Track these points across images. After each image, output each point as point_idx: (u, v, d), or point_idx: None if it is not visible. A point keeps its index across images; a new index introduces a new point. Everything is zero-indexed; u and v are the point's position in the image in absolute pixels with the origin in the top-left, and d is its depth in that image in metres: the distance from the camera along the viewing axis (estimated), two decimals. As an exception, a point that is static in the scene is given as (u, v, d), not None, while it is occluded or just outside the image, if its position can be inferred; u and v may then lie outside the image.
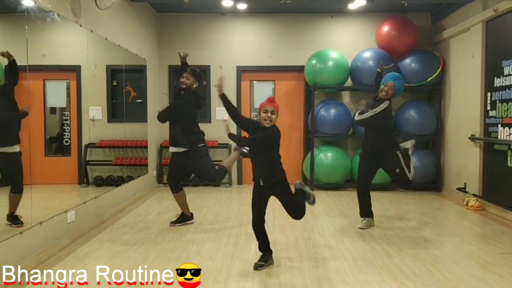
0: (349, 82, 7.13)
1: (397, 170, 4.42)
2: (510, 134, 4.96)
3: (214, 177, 4.60)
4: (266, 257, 3.43)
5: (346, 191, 6.82)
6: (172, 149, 4.65)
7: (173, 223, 4.69)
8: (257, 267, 3.35)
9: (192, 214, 4.85)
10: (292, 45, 7.44)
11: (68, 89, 4.96)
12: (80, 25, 4.43)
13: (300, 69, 7.30)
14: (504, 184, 5.10)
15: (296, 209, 3.45)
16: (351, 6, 6.66)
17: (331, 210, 5.47)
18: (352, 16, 7.36)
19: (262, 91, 7.58)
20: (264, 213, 3.42)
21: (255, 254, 3.71)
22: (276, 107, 3.32)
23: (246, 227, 4.65)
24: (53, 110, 4.95)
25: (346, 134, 7.05)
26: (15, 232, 3.27)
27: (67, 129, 4.92)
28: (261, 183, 3.33)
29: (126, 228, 4.59)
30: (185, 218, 4.76)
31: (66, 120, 4.93)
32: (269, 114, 3.27)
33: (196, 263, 3.45)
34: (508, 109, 5.01)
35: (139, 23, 6.50)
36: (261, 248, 3.47)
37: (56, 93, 4.94)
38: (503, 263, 3.51)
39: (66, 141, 4.93)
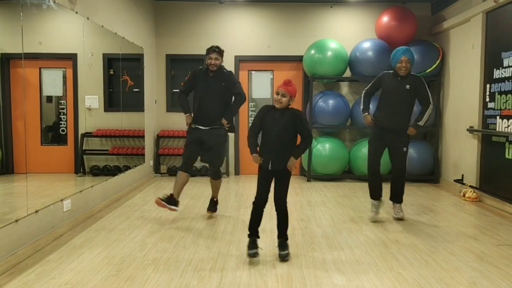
0: (348, 73, 7.10)
1: (405, 149, 4.42)
2: (508, 126, 4.95)
3: (220, 166, 4.66)
4: (255, 242, 3.36)
5: (343, 182, 6.82)
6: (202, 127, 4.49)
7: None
8: (253, 255, 3.29)
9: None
10: (291, 35, 7.38)
11: (64, 77, 4.91)
12: (76, 13, 4.37)
13: (298, 59, 7.25)
14: (502, 176, 5.10)
15: (285, 195, 3.38)
16: (351, -4, 6.61)
17: (328, 201, 5.47)
18: (352, 6, 7.30)
19: (260, 81, 7.54)
20: (269, 192, 3.37)
21: (252, 244, 3.71)
22: (291, 90, 3.24)
23: (243, 217, 4.65)
24: (49, 98, 4.90)
25: (344, 125, 7.03)
26: (10, 221, 3.25)
27: (64, 118, 4.88)
28: (270, 167, 3.28)
29: (123, 217, 4.58)
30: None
31: (63, 109, 4.88)
32: (279, 97, 3.23)
33: (193, 253, 3.46)
34: (506, 101, 4.99)
35: (136, 11, 6.43)
36: (251, 229, 3.38)
37: (52, 82, 4.89)
38: (499, 254, 3.51)
39: (63, 130, 4.89)
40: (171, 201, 4.41)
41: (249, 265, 3.23)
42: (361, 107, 4.67)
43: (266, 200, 3.37)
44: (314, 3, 7.30)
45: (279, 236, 3.42)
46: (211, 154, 4.53)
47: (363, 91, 4.73)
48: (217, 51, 4.47)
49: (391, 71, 4.50)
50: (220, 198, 5.61)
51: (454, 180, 6.14)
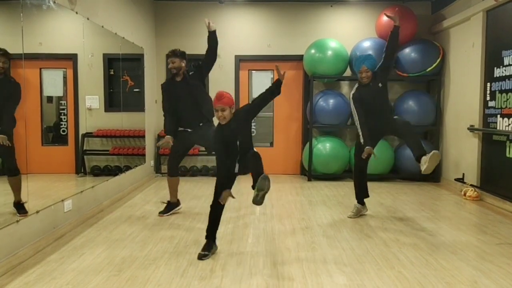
0: (348, 72, 7.09)
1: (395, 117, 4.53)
2: (509, 124, 4.94)
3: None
4: (210, 245, 3.45)
5: (344, 181, 6.82)
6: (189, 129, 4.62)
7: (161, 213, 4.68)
8: (201, 257, 3.33)
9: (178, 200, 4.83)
10: (291, 34, 7.38)
11: (64, 78, 4.92)
12: (76, 13, 4.37)
13: (299, 58, 7.25)
14: (502, 175, 5.10)
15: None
16: (351, -5, 6.61)
17: (329, 200, 5.47)
18: (352, 5, 7.29)
19: (260, 81, 7.54)
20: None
21: (253, 243, 3.72)
22: (226, 101, 3.24)
23: (243, 217, 4.65)
24: (49, 99, 4.91)
25: (345, 124, 7.02)
26: (11, 221, 3.25)
27: (64, 118, 4.89)
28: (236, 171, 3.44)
29: (124, 217, 4.58)
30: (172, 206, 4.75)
31: (63, 109, 4.89)
32: (220, 113, 3.26)
33: (194, 253, 3.46)
34: (507, 99, 4.99)
35: (136, 11, 6.43)
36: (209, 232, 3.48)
37: (53, 82, 4.89)
38: (500, 253, 3.51)
39: (63, 131, 4.90)
40: (171, 207, 4.69)
41: (250, 265, 3.23)
42: (362, 140, 4.35)
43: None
44: (314, 2, 7.30)
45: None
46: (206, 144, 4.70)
47: (358, 122, 4.41)
48: (174, 54, 4.54)
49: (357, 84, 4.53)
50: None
51: (455, 179, 6.13)
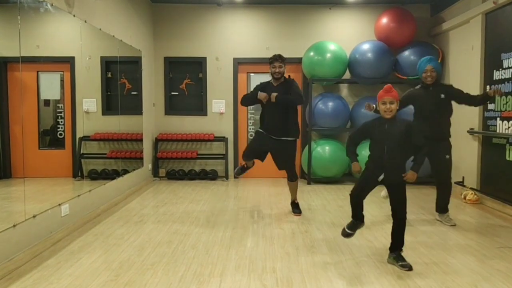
0: (347, 75, 7.08)
1: (447, 156, 4.42)
2: (509, 127, 4.92)
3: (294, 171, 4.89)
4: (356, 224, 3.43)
5: (344, 184, 6.79)
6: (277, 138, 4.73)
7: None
8: (347, 235, 3.42)
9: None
10: (290, 37, 7.37)
11: (62, 81, 4.88)
12: (74, 16, 4.35)
13: (297, 61, 7.23)
14: (502, 178, 5.08)
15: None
16: (350, -2, 6.60)
17: (328, 204, 5.44)
18: (351, 8, 7.29)
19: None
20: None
21: (251, 247, 3.69)
22: (394, 95, 3.16)
23: (242, 221, 4.62)
24: (46, 102, 4.87)
25: (344, 127, 7.00)
26: (8, 226, 3.21)
27: (61, 121, 4.85)
28: (379, 179, 3.26)
29: (121, 221, 4.54)
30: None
31: (60, 112, 4.85)
32: (387, 106, 3.14)
33: (192, 257, 3.43)
34: (507, 102, 4.98)
35: (134, 13, 6.41)
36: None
37: (50, 85, 4.86)
38: (500, 257, 3.48)
39: (60, 134, 4.86)
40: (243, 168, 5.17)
41: (248, 269, 3.20)
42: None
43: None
44: (313, 4, 7.29)
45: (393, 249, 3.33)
46: (287, 163, 4.83)
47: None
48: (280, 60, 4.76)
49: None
50: (220, 201, 5.59)
51: (455, 182, 6.10)
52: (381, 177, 3.23)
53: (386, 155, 3.17)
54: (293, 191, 4.95)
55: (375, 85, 7.07)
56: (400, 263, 3.21)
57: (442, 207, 4.56)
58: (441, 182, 4.51)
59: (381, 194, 4.68)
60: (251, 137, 6.71)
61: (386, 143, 3.16)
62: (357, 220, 3.41)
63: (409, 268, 3.16)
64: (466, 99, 4.43)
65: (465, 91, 4.44)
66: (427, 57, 4.56)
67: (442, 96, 4.36)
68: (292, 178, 4.86)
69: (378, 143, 3.21)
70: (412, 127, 3.19)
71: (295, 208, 4.92)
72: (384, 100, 3.15)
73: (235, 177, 4.59)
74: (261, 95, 4.62)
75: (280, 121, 4.65)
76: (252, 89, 5.06)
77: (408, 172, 3.16)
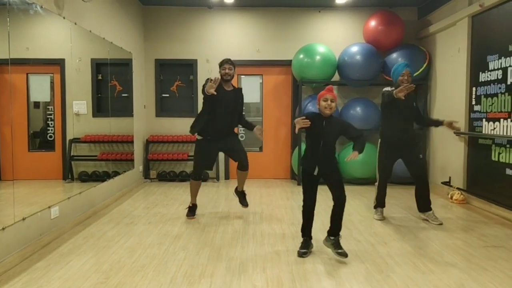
0: (336, 77, 7.14)
1: (421, 155, 4.65)
2: (494, 128, 5.02)
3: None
4: (308, 242, 3.60)
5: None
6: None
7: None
8: (302, 254, 3.50)
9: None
10: (280, 40, 7.42)
11: (52, 83, 4.86)
12: (64, 18, 4.35)
13: (287, 63, 7.28)
14: (488, 178, 5.17)
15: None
16: (339, 0, 6.69)
17: (318, 205, 5.40)
18: (340, 11, 7.36)
19: (249, 86, 7.55)
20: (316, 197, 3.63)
21: (242, 249, 3.72)
22: (335, 96, 3.49)
23: (233, 222, 4.64)
24: (36, 104, 4.85)
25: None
26: (-4, 229, 3.21)
27: (51, 124, 4.83)
28: (315, 173, 3.47)
29: (112, 223, 4.54)
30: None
31: (50, 114, 4.84)
32: (329, 102, 3.42)
33: (182, 259, 3.45)
34: (492, 103, 5.07)
35: (125, 15, 6.41)
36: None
37: (40, 87, 4.84)
38: (486, 256, 3.55)
39: (50, 136, 4.84)
40: (193, 208, 4.89)
41: (239, 270, 3.22)
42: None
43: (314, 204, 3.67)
44: (303, 7, 7.35)
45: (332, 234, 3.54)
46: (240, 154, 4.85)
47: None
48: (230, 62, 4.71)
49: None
50: (210, 202, 5.60)
51: (442, 183, 6.20)
52: (316, 170, 3.48)
53: (321, 150, 3.45)
54: (243, 181, 4.98)
55: (363, 87, 7.15)
56: (338, 250, 3.42)
57: (425, 205, 4.67)
58: (420, 180, 4.66)
59: (374, 217, 4.74)
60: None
61: (323, 139, 3.42)
62: (308, 237, 3.61)
63: (345, 255, 3.38)
64: (419, 117, 4.70)
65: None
66: (403, 62, 4.71)
67: (414, 104, 4.54)
68: (245, 167, 4.84)
69: (315, 138, 3.47)
70: (347, 125, 3.54)
71: (244, 199, 4.98)
72: (326, 97, 3.44)
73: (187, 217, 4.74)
74: (210, 87, 4.28)
75: (229, 123, 4.71)
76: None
77: (353, 153, 3.38)
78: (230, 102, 4.63)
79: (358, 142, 3.45)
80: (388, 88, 4.51)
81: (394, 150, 4.59)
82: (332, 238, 3.50)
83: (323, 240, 3.58)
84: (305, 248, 3.55)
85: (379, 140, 4.73)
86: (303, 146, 6.92)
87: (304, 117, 3.36)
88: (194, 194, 4.89)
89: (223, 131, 4.67)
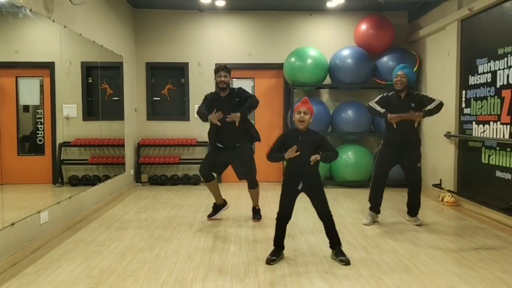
0: (328, 80, 7.17)
1: (419, 164, 4.61)
2: (484, 131, 5.06)
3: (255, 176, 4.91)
4: (278, 252, 3.54)
5: (325, 188, 6.79)
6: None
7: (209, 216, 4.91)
8: (270, 261, 3.43)
9: (224, 200, 5.05)
10: (271, 43, 7.43)
11: (41, 86, 4.83)
12: (53, 21, 4.31)
13: (279, 66, 7.30)
14: (478, 180, 5.21)
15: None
16: (330, 4, 6.71)
17: (310, 207, 5.40)
18: (331, 14, 7.39)
19: (241, 89, 7.53)
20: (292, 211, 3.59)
21: (234, 253, 3.70)
22: (311, 108, 3.43)
23: (225, 225, 4.62)
24: (26, 108, 4.81)
25: (325, 132, 7.08)
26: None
27: (41, 127, 4.79)
28: (299, 187, 3.48)
29: (102, 228, 4.50)
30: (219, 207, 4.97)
31: (40, 118, 4.79)
32: (302, 115, 3.38)
33: (174, 263, 3.42)
34: (482, 106, 5.12)
35: (115, 19, 6.38)
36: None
37: (29, 91, 4.80)
38: (478, 258, 3.57)
39: (40, 140, 4.80)
40: (217, 208, 4.93)
41: (231, 273, 3.21)
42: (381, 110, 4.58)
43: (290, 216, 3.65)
44: (294, 11, 7.37)
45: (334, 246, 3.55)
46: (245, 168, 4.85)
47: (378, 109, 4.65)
48: (226, 70, 4.68)
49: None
50: (202, 206, 5.58)
51: (433, 185, 6.24)
52: (300, 185, 3.48)
53: (301, 164, 3.42)
54: (255, 198, 4.98)
55: (355, 90, 7.19)
56: (340, 258, 3.43)
57: (415, 211, 4.73)
58: (414, 187, 4.71)
59: (363, 222, 4.73)
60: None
61: (302, 153, 3.37)
62: (279, 247, 3.57)
63: (347, 262, 3.38)
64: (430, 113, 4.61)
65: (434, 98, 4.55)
66: (401, 64, 4.73)
67: (413, 105, 4.51)
68: (250, 185, 4.87)
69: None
70: (321, 139, 3.48)
71: (256, 214, 4.95)
72: (299, 110, 3.40)
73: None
74: (213, 118, 4.47)
75: (233, 129, 4.63)
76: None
77: (316, 156, 3.38)
78: (228, 109, 4.57)
79: (328, 154, 3.46)
80: (376, 99, 4.64)
81: (394, 151, 4.57)
82: (334, 250, 3.53)
83: (330, 255, 3.55)
84: (275, 256, 3.49)
85: (382, 142, 4.77)
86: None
87: (291, 148, 3.37)
88: (213, 194, 4.93)
89: (229, 137, 4.67)
